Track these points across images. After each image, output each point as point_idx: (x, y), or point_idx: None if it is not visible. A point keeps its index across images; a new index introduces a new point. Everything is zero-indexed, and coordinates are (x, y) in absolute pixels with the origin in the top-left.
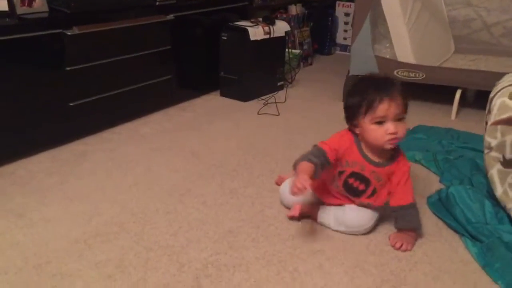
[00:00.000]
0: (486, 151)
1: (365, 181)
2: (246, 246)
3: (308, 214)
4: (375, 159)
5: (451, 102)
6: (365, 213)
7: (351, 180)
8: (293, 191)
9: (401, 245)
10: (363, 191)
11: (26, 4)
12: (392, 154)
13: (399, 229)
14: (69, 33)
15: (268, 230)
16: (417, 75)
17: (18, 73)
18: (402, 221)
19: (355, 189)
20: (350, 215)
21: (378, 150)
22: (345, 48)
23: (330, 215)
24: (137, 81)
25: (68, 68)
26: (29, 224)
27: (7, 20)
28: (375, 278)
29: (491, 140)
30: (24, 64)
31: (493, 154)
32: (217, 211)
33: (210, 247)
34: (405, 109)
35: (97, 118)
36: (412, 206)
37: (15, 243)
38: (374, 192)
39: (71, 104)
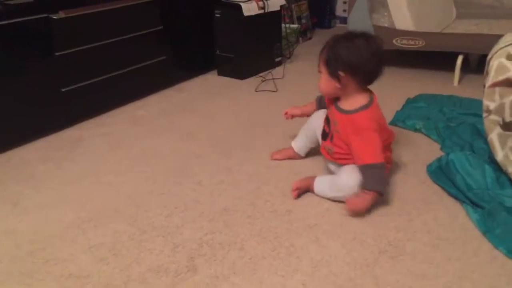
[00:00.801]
0: (485, 114)
1: (328, 123)
2: (242, 224)
3: (306, 189)
4: (343, 105)
5: (453, 68)
6: (355, 174)
7: (324, 124)
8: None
9: (352, 208)
10: (327, 134)
11: None
12: (364, 106)
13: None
14: (55, 17)
15: (264, 207)
16: (416, 42)
17: (6, 60)
18: (364, 180)
19: (323, 132)
20: (341, 177)
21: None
22: (345, 20)
23: (325, 184)
24: (130, 64)
25: (57, 53)
26: (24, 211)
27: None
28: (372, 249)
29: (490, 103)
30: (12, 51)
31: (492, 117)
32: (212, 190)
33: (205, 227)
34: (325, 63)
35: (91, 103)
36: (375, 166)
37: (10, 231)
38: (332, 136)
39: (63, 89)
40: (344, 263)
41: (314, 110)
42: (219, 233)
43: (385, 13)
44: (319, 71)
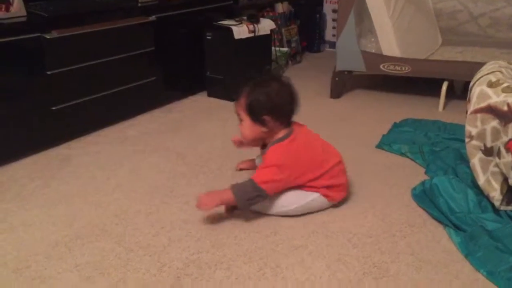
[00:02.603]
0: (467, 140)
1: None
2: (228, 244)
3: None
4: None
5: (438, 94)
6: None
7: None
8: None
9: (202, 205)
10: None
11: (3, 9)
12: (278, 139)
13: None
14: (48, 37)
15: (250, 227)
16: (403, 68)
17: None
18: (237, 185)
19: None
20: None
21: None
22: (334, 45)
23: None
24: (121, 84)
25: (49, 72)
26: (9, 228)
27: None
28: (357, 271)
29: (472, 129)
30: (4, 69)
31: (474, 142)
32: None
33: (192, 246)
34: (247, 111)
35: (82, 122)
36: (255, 187)
37: None
38: None
39: (53, 108)
40: (328, 284)
41: None
42: (206, 252)
43: (373, 39)
44: (240, 119)
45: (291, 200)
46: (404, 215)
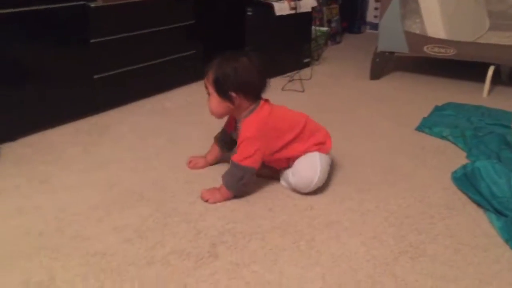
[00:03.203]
0: None
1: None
2: (263, 216)
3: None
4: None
5: (483, 79)
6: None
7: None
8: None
9: (208, 199)
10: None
11: None
12: (249, 111)
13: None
14: (92, 5)
15: (285, 201)
16: (448, 51)
17: (43, 45)
18: (225, 174)
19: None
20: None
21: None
22: (375, 26)
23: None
24: (161, 56)
25: (92, 41)
26: (51, 190)
27: None
28: (393, 249)
29: None
30: (49, 36)
31: None
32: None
33: (228, 216)
34: (214, 85)
35: (121, 91)
36: (237, 167)
37: (38, 207)
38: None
39: (95, 76)
40: (363, 260)
41: (219, 153)
42: (240, 223)
43: (417, 20)
44: (208, 93)
45: (309, 170)
46: (443, 198)
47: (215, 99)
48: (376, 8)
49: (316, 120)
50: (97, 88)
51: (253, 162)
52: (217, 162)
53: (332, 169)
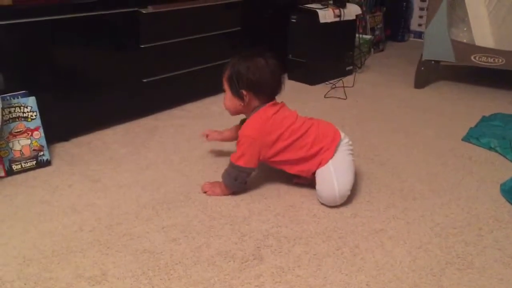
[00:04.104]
0: None
1: None
2: (307, 221)
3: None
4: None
5: None
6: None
7: None
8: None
9: (206, 191)
10: None
11: None
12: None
13: None
14: (144, 11)
15: (329, 207)
16: (496, 60)
17: (97, 49)
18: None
19: None
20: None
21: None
22: (419, 35)
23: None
24: (208, 61)
25: (142, 46)
26: (103, 188)
27: None
28: (439, 259)
29: None
30: (103, 40)
31: None
32: (279, 187)
33: (272, 220)
34: (227, 82)
35: (169, 95)
36: (233, 167)
37: (90, 205)
38: None
39: (144, 80)
40: (409, 270)
41: (233, 137)
42: (284, 227)
43: (465, 29)
44: (223, 89)
45: (326, 190)
46: (491, 210)
47: (228, 95)
48: (420, 17)
49: (359, 128)
50: (146, 91)
51: (246, 162)
52: (232, 140)
53: (375, 178)
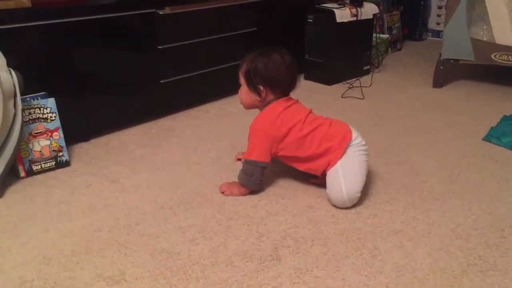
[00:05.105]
0: None
1: None
2: (325, 222)
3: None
4: None
5: None
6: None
7: None
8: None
9: (224, 191)
10: None
11: None
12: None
13: None
14: (161, 13)
15: (347, 208)
16: None
17: (115, 50)
18: (240, 172)
19: None
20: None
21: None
22: (437, 34)
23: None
24: (224, 62)
25: (159, 47)
26: (121, 189)
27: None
28: (461, 261)
29: None
30: (121, 42)
31: None
32: (296, 187)
33: (289, 220)
34: (244, 77)
35: (185, 96)
36: (247, 162)
37: (109, 205)
38: None
39: (161, 81)
40: (430, 271)
41: None
42: (302, 228)
43: (485, 27)
44: (239, 83)
45: (334, 193)
46: None
47: (244, 90)
48: (438, 15)
49: (377, 128)
50: (163, 92)
51: (259, 156)
52: None
53: (393, 178)
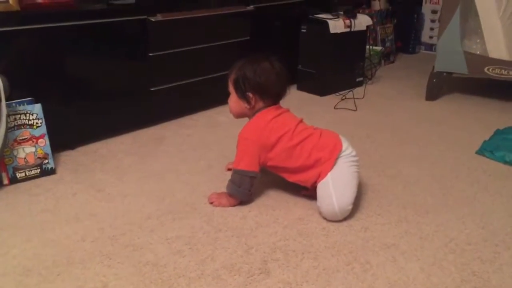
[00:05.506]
0: None
1: None
2: (316, 234)
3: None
4: None
5: None
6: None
7: None
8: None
9: (212, 201)
10: None
11: None
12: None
13: None
14: (153, 20)
15: (339, 221)
16: (510, 72)
17: (105, 56)
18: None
19: None
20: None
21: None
22: (430, 47)
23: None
24: (216, 70)
25: (151, 54)
26: (107, 198)
27: (97, 5)
28: (454, 277)
29: None
30: (111, 48)
31: None
32: (287, 199)
33: (279, 233)
34: (233, 85)
35: (176, 104)
36: (235, 172)
37: (94, 215)
38: None
39: (152, 89)
40: (422, 287)
41: None
42: (292, 240)
43: (478, 40)
44: (229, 92)
45: (325, 206)
46: (508, 225)
47: (234, 98)
48: (431, 29)
49: (369, 140)
50: (154, 100)
51: (247, 165)
52: None
53: (385, 191)
